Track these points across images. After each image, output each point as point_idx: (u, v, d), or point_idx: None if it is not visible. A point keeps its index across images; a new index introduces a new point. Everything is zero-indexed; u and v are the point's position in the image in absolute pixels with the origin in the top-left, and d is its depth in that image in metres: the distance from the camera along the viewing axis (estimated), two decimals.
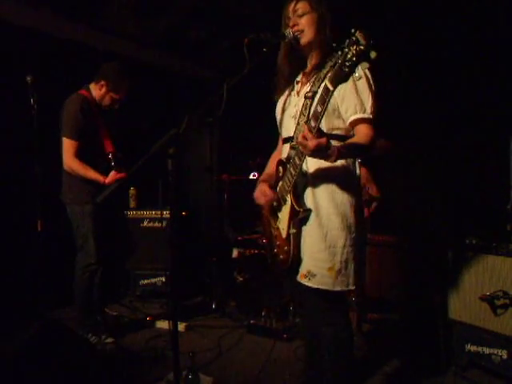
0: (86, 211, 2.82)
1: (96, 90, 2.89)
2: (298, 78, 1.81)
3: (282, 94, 1.87)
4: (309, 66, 1.77)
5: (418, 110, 3.78)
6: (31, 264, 3.09)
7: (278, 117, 1.88)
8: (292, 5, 1.70)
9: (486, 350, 2.35)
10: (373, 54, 1.28)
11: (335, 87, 1.38)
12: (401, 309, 3.20)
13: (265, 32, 1.66)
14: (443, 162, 3.70)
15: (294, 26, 1.68)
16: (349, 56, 1.30)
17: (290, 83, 1.83)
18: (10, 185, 3.40)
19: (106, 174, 2.84)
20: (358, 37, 1.28)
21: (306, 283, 1.67)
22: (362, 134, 1.63)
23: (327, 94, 1.40)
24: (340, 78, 1.36)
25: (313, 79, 1.68)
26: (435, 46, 3.66)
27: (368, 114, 1.63)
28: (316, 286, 1.66)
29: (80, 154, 2.78)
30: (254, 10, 3.77)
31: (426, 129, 3.77)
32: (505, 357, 2.27)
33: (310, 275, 1.66)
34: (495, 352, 2.31)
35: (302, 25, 1.68)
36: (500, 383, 2.33)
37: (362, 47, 1.28)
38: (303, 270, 1.69)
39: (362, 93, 1.62)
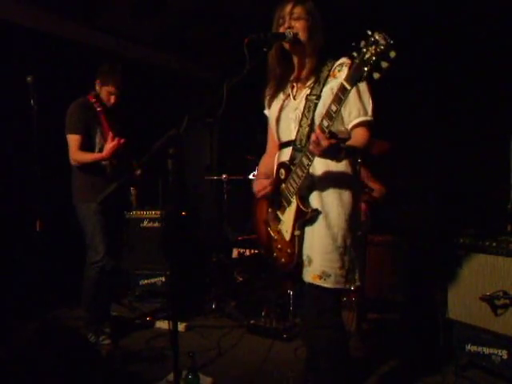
0: (91, 209, 2.87)
1: (98, 91, 3.02)
2: (293, 83, 1.82)
3: (274, 97, 1.87)
4: (305, 71, 1.78)
5: (418, 109, 3.78)
6: (31, 264, 3.09)
7: (274, 121, 1.88)
8: (288, 7, 1.71)
9: (486, 350, 2.35)
10: (392, 54, 1.34)
11: (353, 86, 1.43)
12: (400, 309, 3.20)
13: (265, 32, 1.66)
14: (443, 162, 3.70)
15: (288, 27, 1.69)
16: (367, 56, 1.36)
17: (281, 86, 1.84)
18: (10, 185, 3.40)
19: (114, 172, 2.93)
20: (377, 37, 1.34)
21: (323, 284, 1.68)
22: (360, 135, 1.68)
23: (344, 93, 1.45)
24: (358, 77, 1.41)
25: (310, 82, 1.73)
26: (437, 46, 3.67)
27: (369, 117, 1.68)
28: (333, 287, 1.68)
29: (85, 149, 2.89)
30: (253, 10, 3.78)
31: (426, 129, 3.77)
32: (505, 357, 2.26)
33: (325, 276, 1.67)
34: (495, 352, 2.30)
35: (296, 28, 1.69)
36: (500, 383, 2.33)
37: (382, 47, 1.33)
38: (316, 271, 1.69)
39: (364, 96, 1.67)
